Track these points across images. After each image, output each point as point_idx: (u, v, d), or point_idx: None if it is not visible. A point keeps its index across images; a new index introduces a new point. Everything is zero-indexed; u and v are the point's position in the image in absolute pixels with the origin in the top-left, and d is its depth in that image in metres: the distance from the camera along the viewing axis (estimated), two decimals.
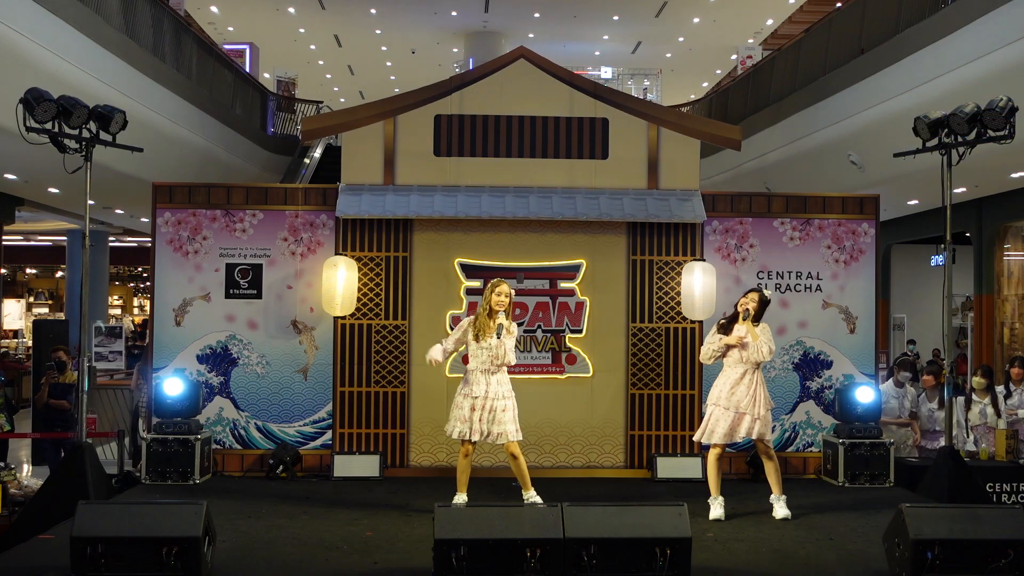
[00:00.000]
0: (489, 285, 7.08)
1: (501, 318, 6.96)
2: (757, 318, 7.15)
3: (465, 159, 9.01)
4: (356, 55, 27.68)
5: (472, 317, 7.15)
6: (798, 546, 6.38)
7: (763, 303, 7.19)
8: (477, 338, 6.99)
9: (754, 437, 7.10)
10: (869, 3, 14.43)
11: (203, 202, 8.97)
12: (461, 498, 7.00)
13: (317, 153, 21.29)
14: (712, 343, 7.18)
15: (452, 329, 8.83)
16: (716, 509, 7.09)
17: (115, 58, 12.53)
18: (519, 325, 8.57)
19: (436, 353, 7.08)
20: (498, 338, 6.93)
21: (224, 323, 8.91)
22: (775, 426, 9.04)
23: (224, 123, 17.26)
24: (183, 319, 8.90)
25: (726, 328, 7.17)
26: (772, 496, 7.21)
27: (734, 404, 7.02)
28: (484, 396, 6.94)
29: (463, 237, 8.93)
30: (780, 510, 7.12)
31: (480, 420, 6.93)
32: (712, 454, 7.14)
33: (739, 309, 7.15)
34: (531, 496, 6.97)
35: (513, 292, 7.13)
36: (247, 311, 8.93)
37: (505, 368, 7.04)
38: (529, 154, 9.03)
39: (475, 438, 6.96)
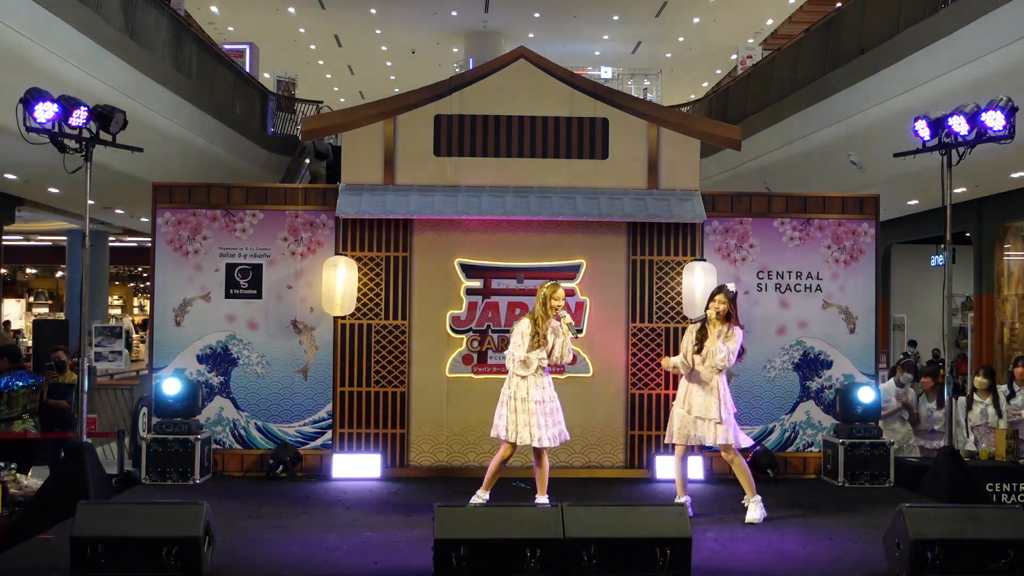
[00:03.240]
0: (548, 288, 7.06)
1: (569, 318, 7.07)
2: (729, 316, 7.12)
3: (465, 159, 9.00)
4: (356, 55, 27.68)
5: (529, 323, 7.05)
6: (798, 546, 6.38)
7: (732, 301, 7.14)
8: (542, 342, 6.97)
9: (720, 443, 7.06)
10: (869, 3, 14.43)
11: (203, 202, 8.97)
12: (484, 496, 7.02)
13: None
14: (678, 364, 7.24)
15: (452, 329, 8.86)
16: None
17: (115, 58, 12.53)
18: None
19: (538, 359, 6.99)
20: (575, 336, 7.09)
21: (224, 323, 8.90)
22: (775, 426, 9.07)
23: (224, 123, 17.26)
24: (183, 319, 8.90)
25: (700, 338, 7.13)
26: (744, 498, 7.18)
27: (687, 406, 7.12)
28: (542, 400, 6.98)
29: (463, 237, 8.93)
30: (751, 513, 7.06)
31: (539, 425, 6.94)
32: (675, 453, 7.24)
33: (708, 314, 7.13)
34: (544, 500, 6.98)
35: (564, 294, 7.17)
36: (247, 311, 8.92)
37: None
38: (529, 154, 9.03)
39: (546, 444, 6.96)
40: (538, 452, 7.03)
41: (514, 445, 7.01)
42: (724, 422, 7.02)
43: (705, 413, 7.04)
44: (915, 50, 12.09)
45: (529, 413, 6.94)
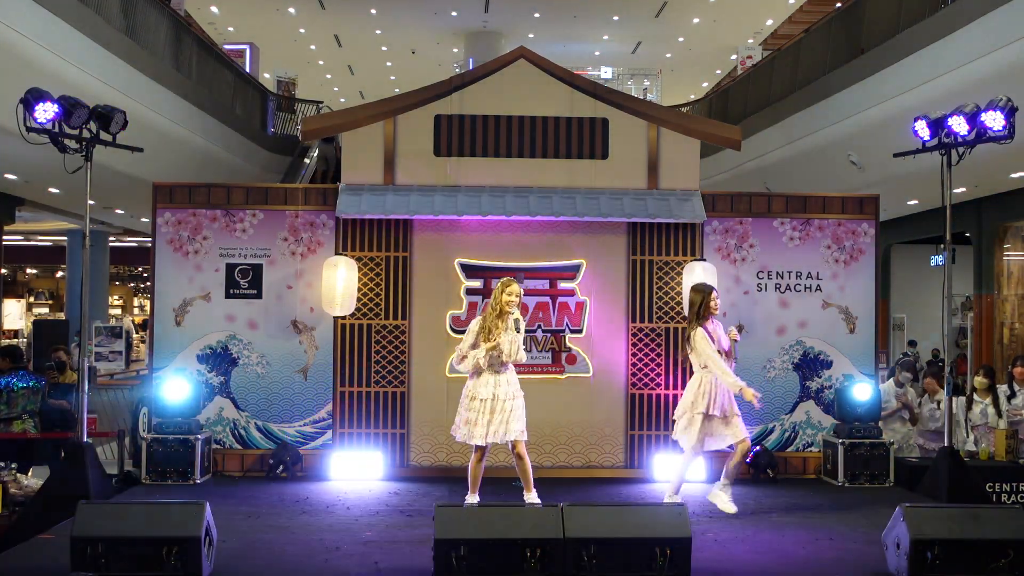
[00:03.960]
0: (499, 284, 6.92)
1: (517, 314, 6.87)
2: None
3: (465, 159, 9.01)
4: (356, 55, 27.68)
5: (480, 318, 6.98)
6: (798, 546, 6.38)
7: None
8: (487, 339, 6.83)
9: (745, 436, 7.21)
10: (869, 3, 14.43)
11: (203, 202, 8.97)
12: (474, 498, 6.91)
13: (317, 153, 21.31)
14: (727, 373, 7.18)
15: (452, 329, 8.86)
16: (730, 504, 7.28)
17: (115, 58, 12.53)
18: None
19: (475, 356, 6.87)
20: (517, 331, 6.83)
21: (224, 323, 8.91)
22: (774, 426, 9.07)
23: (224, 123, 17.26)
24: (183, 319, 8.90)
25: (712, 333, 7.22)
26: (722, 484, 7.30)
27: (720, 408, 7.13)
28: (493, 397, 6.81)
29: (463, 237, 8.93)
30: (730, 504, 7.23)
31: (491, 422, 6.79)
32: (689, 457, 7.26)
33: (715, 311, 7.29)
34: (531, 497, 6.88)
35: (522, 291, 7.01)
36: (247, 311, 8.93)
37: (512, 366, 6.93)
38: (529, 154, 9.03)
39: (490, 440, 6.80)
40: (513, 448, 6.90)
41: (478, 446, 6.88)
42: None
43: (733, 408, 7.20)
44: (915, 50, 12.09)
45: (470, 411, 6.83)
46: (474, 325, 6.97)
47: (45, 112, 7.17)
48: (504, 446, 7.01)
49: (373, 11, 23.50)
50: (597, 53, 27.41)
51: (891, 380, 9.81)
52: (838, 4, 17.98)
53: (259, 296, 8.93)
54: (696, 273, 8.68)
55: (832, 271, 9.15)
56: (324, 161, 18.46)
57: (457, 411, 7.01)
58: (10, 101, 7.48)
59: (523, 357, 6.93)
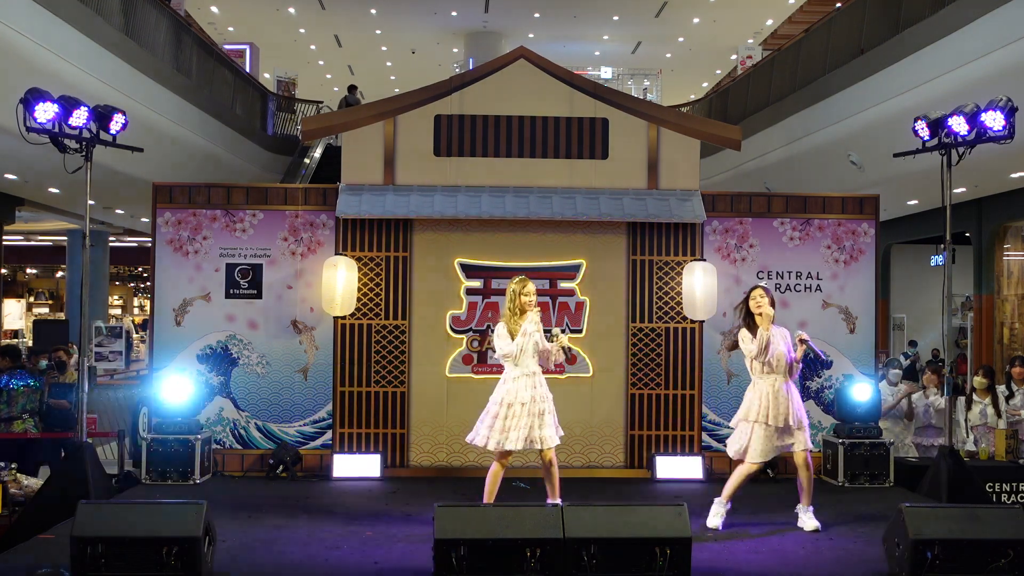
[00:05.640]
0: (515, 284, 6.76)
1: (535, 318, 6.71)
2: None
3: (465, 159, 9.01)
4: (356, 55, 27.67)
5: (505, 321, 6.78)
6: (798, 546, 6.38)
7: (772, 299, 6.82)
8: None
9: (807, 448, 6.74)
10: (869, 3, 14.43)
11: (203, 202, 8.97)
12: None
13: (317, 153, 21.30)
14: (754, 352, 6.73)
15: (452, 329, 8.85)
16: (716, 519, 6.84)
17: (115, 58, 12.53)
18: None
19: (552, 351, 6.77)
20: (551, 339, 6.71)
21: (224, 323, 8.91)
22: None
23: (224, 123, 17.25)
24: (183, 319, 8.90)
25: (752, 334, 6.74)
26: (800, 507, 6.94)
27: (775, 419, 6.65)
28: (532, 400, 6.62)
29: (463, 237, 8.93)
30: (809, 521, 6.84)
31: (524, 427, 6.59)
32: (746, 469, 6.76)
33: (757, 312, 6.72)
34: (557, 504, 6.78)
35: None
36: (247, 311, 8.93)
37: (541, 368, 6.76)
38: (529, 154, 9.03)
39: (522, 446, 6.62)
40: (544, 454, 6.78)
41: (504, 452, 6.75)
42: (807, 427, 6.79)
43: (794, 419, 6.68)
44: (915, 50, 12.09)
45: (508, 417, 6.63)
46: (502, 330, 6.74)
47: (45, 112, 7.17)
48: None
49: (373, 11, 23.49)
50: (597, 53, 27.40)
51: (883, 381, 9.81)
52: (838, 4, 17.97)
53: (259, 296, 8.94)
54: (696, 273, 8.69)
55: (832, 271, 9.15)
56: None
57: (481, 418, 6.77)
58: (10, 101, 7.48)
59: (562, 358, 6.88)
